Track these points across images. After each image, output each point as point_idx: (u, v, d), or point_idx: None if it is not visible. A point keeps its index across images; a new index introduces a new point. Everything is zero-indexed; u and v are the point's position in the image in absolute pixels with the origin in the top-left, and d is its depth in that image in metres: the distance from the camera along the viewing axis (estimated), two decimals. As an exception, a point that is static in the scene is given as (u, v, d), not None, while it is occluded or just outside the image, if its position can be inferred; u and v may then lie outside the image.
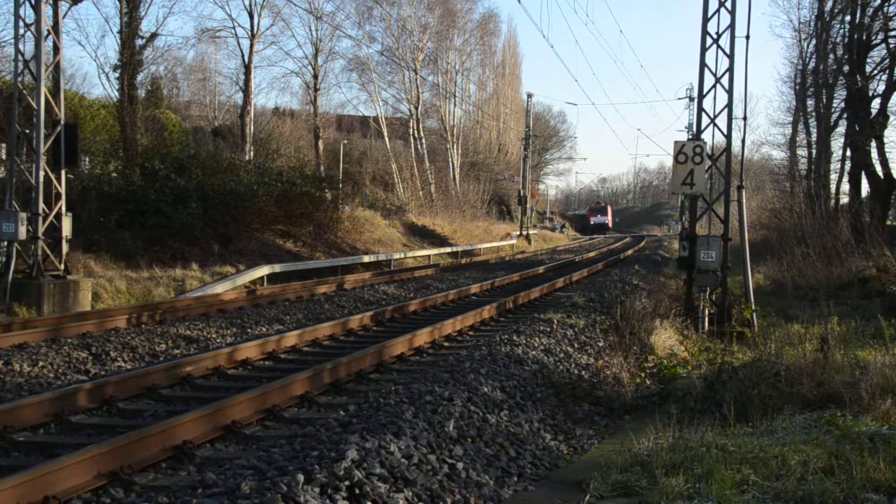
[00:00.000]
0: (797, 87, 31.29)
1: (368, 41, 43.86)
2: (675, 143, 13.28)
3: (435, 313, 12.32)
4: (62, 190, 13.91)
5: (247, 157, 28.74)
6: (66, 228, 13.90)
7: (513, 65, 62.66)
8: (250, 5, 33.36)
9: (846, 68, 25.26)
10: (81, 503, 4.27)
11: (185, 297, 13.72)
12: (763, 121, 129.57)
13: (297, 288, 14.13)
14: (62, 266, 13.66)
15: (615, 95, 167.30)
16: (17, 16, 13.74)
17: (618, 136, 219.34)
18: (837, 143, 27.73)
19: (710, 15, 13.56)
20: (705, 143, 13.33)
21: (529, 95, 52.91)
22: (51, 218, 13.67)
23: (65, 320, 10.20)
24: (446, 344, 9.62)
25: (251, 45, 33.45)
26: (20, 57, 13.87)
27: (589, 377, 8.45)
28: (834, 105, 27.67)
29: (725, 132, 13.54)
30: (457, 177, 47.42)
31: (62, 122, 13.91)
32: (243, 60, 33.70)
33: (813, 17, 29.11)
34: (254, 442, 5.42)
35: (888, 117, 23.30)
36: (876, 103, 23.70)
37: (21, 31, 13.78)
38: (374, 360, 7.98)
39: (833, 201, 26.49)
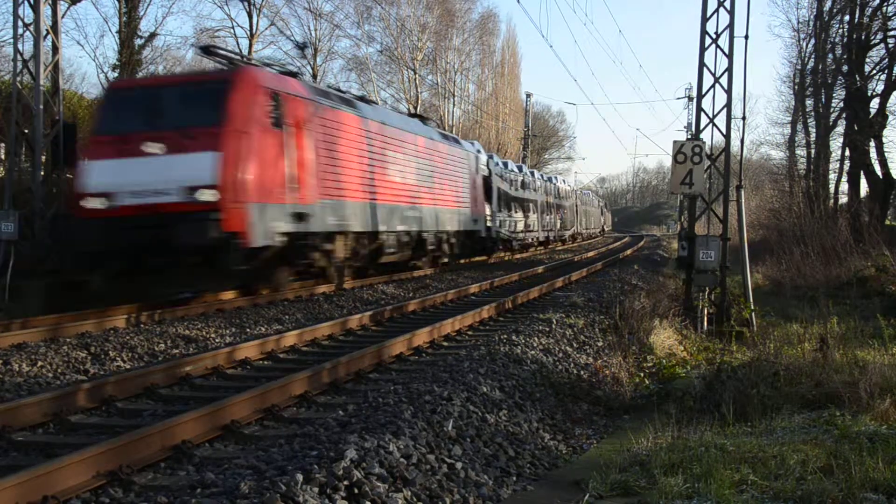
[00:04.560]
0: (796, 86, 31.34)
1: (367, 41, 43.82)
2: (674, 142, 13.29)
3: (434, 313, 12.32)
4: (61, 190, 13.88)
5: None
6: (64, 228, 13.59)
7: (512, 64, 62.57)
8: (249, 5, 33.35)
9: (845, 68, 25.30)
10: (80, 503, 4.27)
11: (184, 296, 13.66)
12: (762, 121, 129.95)
13: (296, 287, 14.10)
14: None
15: (614, 95, 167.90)
16: (15, 15, 13.74)
17: (617, 136, 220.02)
18: (836, 142, 27.83)
19: (708, 15, 13.57)
20: (704, 142, 13.34)
21: (528, 95, 52.99)
22: (49, 217, 13.65)
23: (64, 320, 10.17)
24: (445, 344, 9.62)
25: (250, 45, 33.43)
26: (19, 56, 13.87)
27: (588, 377, 8.45)
28: (833, 105, 27.74)
29: (724, 132, 13.55)
30: (456, 176, 47.26)
31: (61, 122, 13.90)
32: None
33: (812, 16, 29.19)
34: (253, 441, 5.41)
35: (887, 117, 23.36)
36: (875, 103, 23.76)
37: (20, 30, 13.79)
38: (373, 359, 7.98)
39: (832, 201, 26.53)
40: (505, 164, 29.98)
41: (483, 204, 23.26)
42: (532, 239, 33.08)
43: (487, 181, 24.33)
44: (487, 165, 24.81)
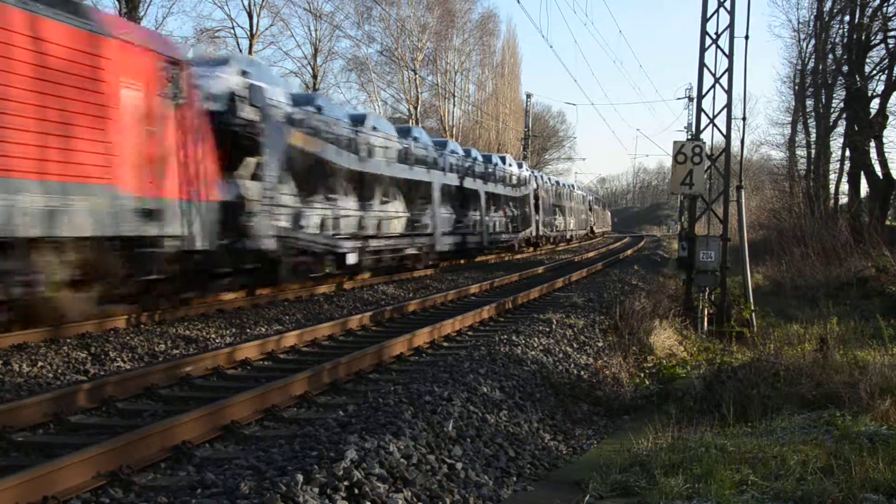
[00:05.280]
0: (796, 87, 31.32)
1: (367, 41, 43.84)
2: (675, 143, 13.30)
3: (434, 313, 12.32)
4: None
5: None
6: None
7: (512, 65, 62.64)
8: (249, 5, 33.43)
9: (845, 68, 25.30)
10: (81, 503, 4.27)
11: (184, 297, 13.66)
12: (762, 121, 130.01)
13: (296, 288, 14.11)
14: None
15: (614, 95, 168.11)
16: (15, 15, 13.37)
17: (617, 137, 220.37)
18: (836, 143, 27.83)
19: (709, 15, 13.58)
20: (704, 143, 13.36)
21: (529, 95, 52.98)
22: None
23: (64, 320, 10.16)
24: (445, 344, 9.62)
25: (250, 46, 33.49)
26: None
27: (588, 377, 8.46)
28: (833, 105, 27.73)
29: (724, 132, 13.56)
30: (456, 177, 47.08)
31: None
32: (242, 60, 33.67)
33: (812, 17, 29.20)
34: (253, 442, 5.42)
35: (887, 117, 23.35)
36: (875, 103, 23.75)
37: (19, 30, 13.49)
38: (374, 360, 7.98)
39: (832, 201, 26.54)
40: (359, 120, 17.21)
41: (203, 175, 10.73)
42: (404, 252, 18.57)
43: (228, 126, 11.73)
44: (233, 97, 11.86)
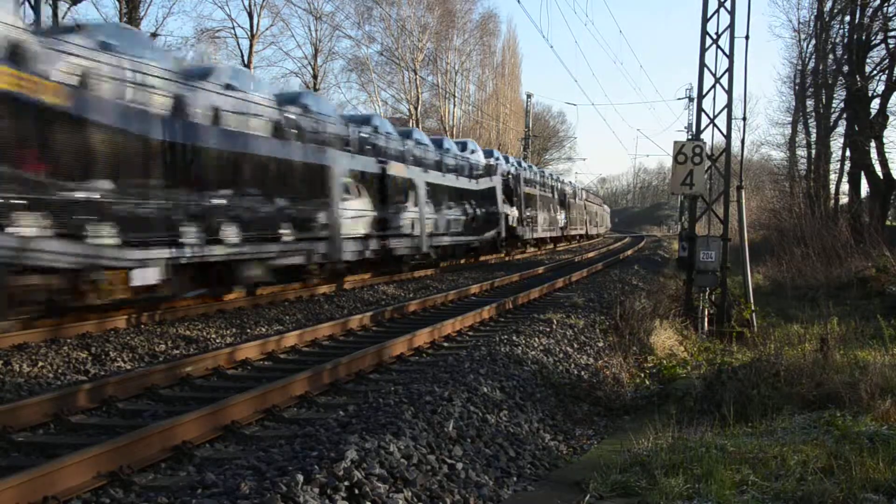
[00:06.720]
0: (797, 87, 31.33)
1: (368, 41, 43.80)
2: (675, 143, 13.29)
3: (434, 313, 12.32)
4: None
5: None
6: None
7: (512, 65, 62.58)
8: (250, 6, 33.44)
9: (846, 68, 25.30)
10: (81, 503, 4.27)
11: (184, 297, 13.66)
12: (762, 121, 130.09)
13: (296, 288, 14.11)
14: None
15: (615, 96, 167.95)
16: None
17: (617, 137, 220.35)
18: (837, 143, 27.82)
19: (709, 15, 13.58)
20: (705, 143, 13.34)
21: (529, 96, 53.02)
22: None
23: (64, 320, 10.17)
24: (446, 344, 9.62)
25: (251, 46, 33.52)
26: (20, 57, 13.56)
27: (588, 377, 8.45)
28: (833, 105, 27.72)
29: (725, 132, 13.55)
30: (456, 177, 46.93)
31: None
32: (243, 61, 33.73)
33: (812, 17, 29.20)
34: (253, 442, 5.42)
35: (888, 117, 23.34)
36: (875, 103, 23.75)
37: (20, 31, 13.56)
38: (374, 360, 7.98)
39: (832, 201, 26.54)
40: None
41: None
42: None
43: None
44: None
